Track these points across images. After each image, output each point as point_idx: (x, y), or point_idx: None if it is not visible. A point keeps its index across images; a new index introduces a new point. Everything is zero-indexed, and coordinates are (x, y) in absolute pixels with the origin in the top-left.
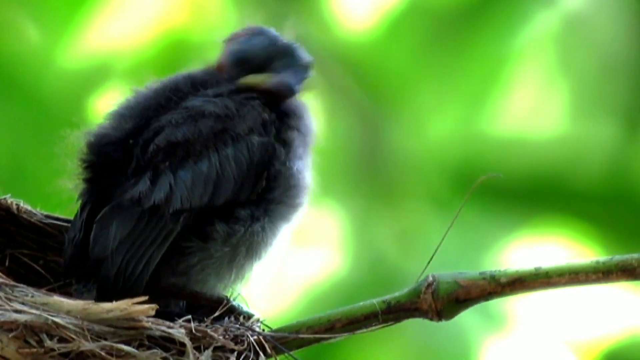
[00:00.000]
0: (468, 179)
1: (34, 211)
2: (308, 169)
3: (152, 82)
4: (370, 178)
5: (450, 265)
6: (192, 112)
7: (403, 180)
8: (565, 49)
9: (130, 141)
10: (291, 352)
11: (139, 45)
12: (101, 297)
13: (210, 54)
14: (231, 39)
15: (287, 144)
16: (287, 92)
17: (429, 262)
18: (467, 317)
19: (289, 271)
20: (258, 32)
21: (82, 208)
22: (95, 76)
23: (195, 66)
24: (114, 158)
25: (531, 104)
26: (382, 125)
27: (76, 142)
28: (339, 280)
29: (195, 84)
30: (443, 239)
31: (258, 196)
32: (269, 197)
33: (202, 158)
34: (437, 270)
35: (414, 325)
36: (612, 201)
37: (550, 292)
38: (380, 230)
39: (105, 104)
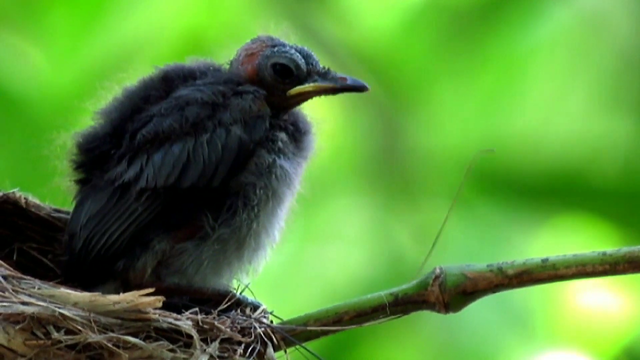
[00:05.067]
0: (486, 176)
1: (42, 205)
2: (296, 171)
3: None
4: (389, 175)
5: (469, 263)
6: (180, 101)
7: (421, 177)
8: (582, 45)
9: (112, 151)
10: (303, 344)
11: (150, 58)
12: (68, 272)
13: (228, 53)
14: (253, 53)
15: (275, 141)
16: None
17: (431, 250)
18: (487, 314)
19: (307, 268)
20: (281, 43)
21: None
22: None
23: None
24: (103, 151)
25: (548, 101)
26: (400, 123)
27: (65, 144)
28: (357, 277)
29: (185, 75)
30: (444, 224)
31: (240, 188)
32: (253, 190)
33: (178, 141)
34: None
35: (434, 323)
36: (630, 198)
37: (565, 289)
38: (398, 227)
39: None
